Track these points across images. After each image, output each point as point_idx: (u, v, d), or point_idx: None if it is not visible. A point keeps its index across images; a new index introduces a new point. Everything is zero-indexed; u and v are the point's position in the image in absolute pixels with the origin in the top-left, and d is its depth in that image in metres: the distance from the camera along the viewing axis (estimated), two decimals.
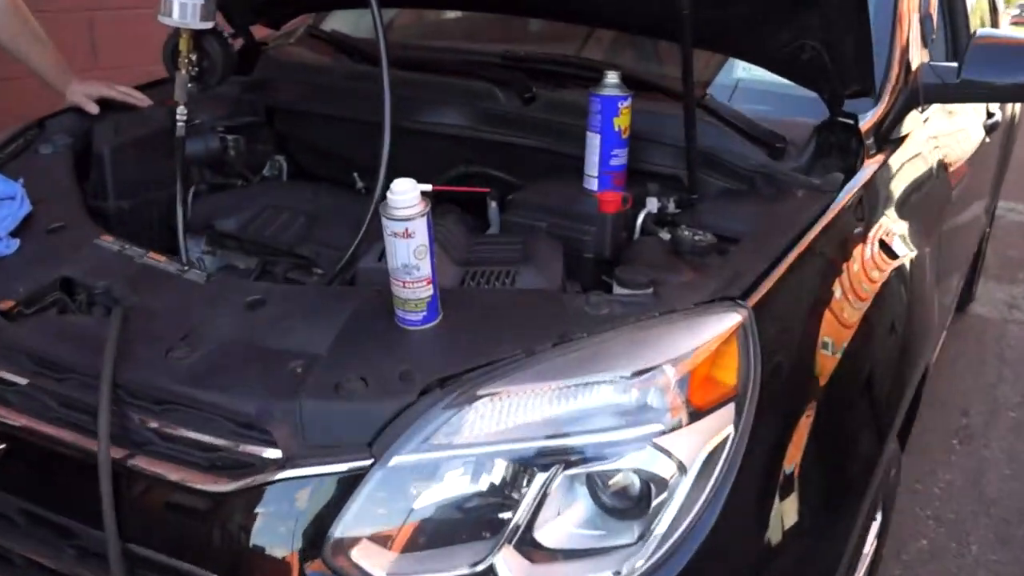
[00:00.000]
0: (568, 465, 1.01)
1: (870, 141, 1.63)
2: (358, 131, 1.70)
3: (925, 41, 2.00)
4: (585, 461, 1.02)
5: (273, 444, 1.02)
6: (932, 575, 2.27)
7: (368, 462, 0.99)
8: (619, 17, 1.71)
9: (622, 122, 1.50)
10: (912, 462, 2.48)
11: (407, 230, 1.07)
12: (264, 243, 1.59)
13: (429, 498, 1.00)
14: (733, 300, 1.15)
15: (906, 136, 1.84)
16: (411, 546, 1.00)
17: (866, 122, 1.64)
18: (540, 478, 1.00)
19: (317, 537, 1.00)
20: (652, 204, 1.51)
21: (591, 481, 1.03)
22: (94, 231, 1.41)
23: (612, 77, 1.49)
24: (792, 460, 1.15)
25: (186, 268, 1.33)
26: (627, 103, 1.49)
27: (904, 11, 1.89)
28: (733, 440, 1.06)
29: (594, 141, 1.52)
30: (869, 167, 1.60)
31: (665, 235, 1.43)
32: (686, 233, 1.38)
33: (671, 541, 1.01)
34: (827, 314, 1.30)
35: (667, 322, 1.12)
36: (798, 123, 1.63)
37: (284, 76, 1.99)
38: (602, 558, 1.01)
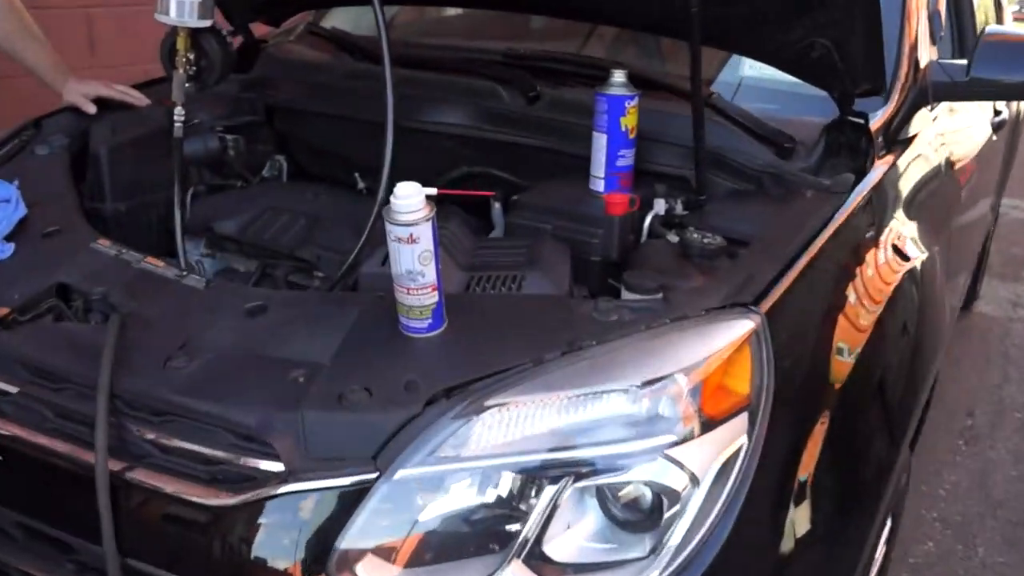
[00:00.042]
0: (578, 477, 0.99)
1: (879, 141, 1.61)
2: (359, 130, 1.68)
3: (933, 38, 1.98)
4: (595, 473, 0.99)
5: (275, 457, 1.00)
6: None
7: (373, 475, 0.97)
8: (626, 14, 1.68)
9: (629, 122, 1.47)
10: (917, 463, 2.44)
11: (412, 235, 1.04)
12: (264, 246, 1.57)
13: (435, 511, 0.98)
14: (745, 306, 1.12)
15: (915, 135, 1.82)
16: (417, 560, 0.98)
17: (876, 121, 1.61)
18: (549, 491, 0.98)
19: (320, 551, 0.98)
20: (659, 206, 1.48)
21: (601, 493, 1.01)
22: (91, 235, 1.39)
23: (619, 76, 1.47)
24: (807, 468, 1.13)
25: (185, 273, 1.30)
26: (634, 102, 1.47)
27: (912, 8, 1.86)
28: (747, 450, 1.03)
29: (600, 141, 1.49)
30: (879, 167, 1.57)
31: (673, 237, 1.41)
32: (695, 235, 1.35)
33: (684, 554, 0.98)
34: (841, 319, 1.28)
35: (678, 329, 1.09)
36: (805, 122, 1.61)
37: (284, 74, 1.96)
38: (613, 572, 0.98)
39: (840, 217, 1.36)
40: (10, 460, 1.13)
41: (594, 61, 1.78)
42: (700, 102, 1.41)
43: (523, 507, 0.98)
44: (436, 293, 1.08)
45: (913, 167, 1.77)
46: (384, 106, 1.38)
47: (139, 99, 1.82)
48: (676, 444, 1.00)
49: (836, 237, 1.33)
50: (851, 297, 1.32)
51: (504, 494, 0.98)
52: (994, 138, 2.74)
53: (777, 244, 1.27)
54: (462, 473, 0.98)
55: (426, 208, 1.05)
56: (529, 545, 0.97)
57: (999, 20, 3.27)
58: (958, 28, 2.49)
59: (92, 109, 1.78)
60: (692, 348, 1.06)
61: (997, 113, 2.75)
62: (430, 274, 1.07)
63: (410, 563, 0.97)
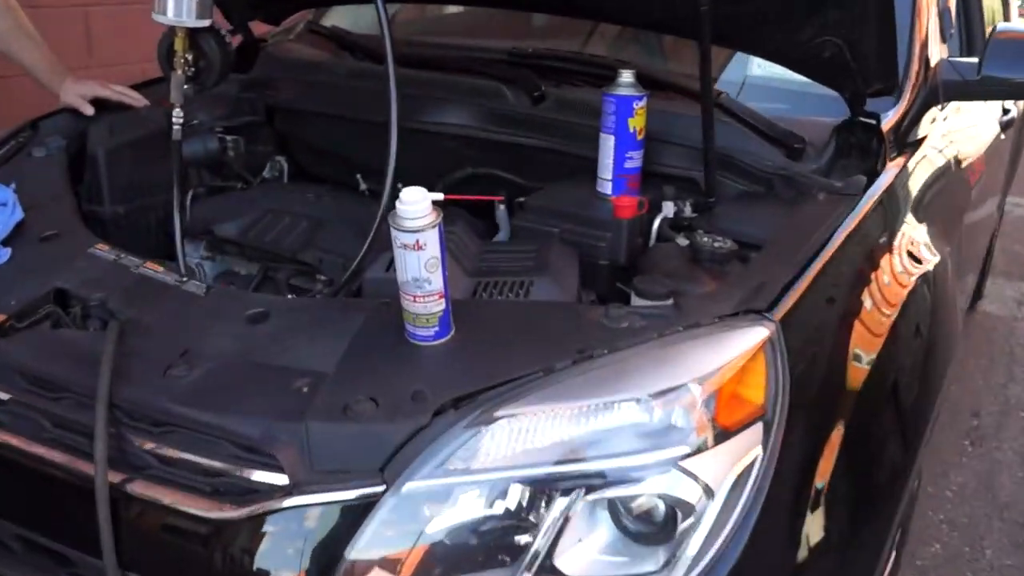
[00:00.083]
0: (589, 489, 0.96)
1: (891, 142, 1.58)
2: (361, 131, 1.65)
3: (944, 36, 1.95)
4: (607, 485, 0.97)
5: (279, 469, 0.97)
6: None
7: (380, 488, 0.94)
8: (632, 12, 1.65)
9: (637, 123, 1.45)
10: (924, 465, 2.44)
11: (418, 242, 1.02)
12: (265, 249, 1.54)
13: (444, 523, 0.96)
14: (759, 313, 1.09)
15: (925, 135, 1.79)
16: (425, 573, 0.95)
17: (887, 121, 1.58)
18: (561, 503, 0.96)
19: (325, 565, 0.95)
20: (668, 208, 1.46)
21: (613, 506, 0.98)
22: (89, 239, 1.36)
23: (627, 76, 1.44)
24: (823, 476, 1.10)
25: (185, 279, 1.27)
26: (642, 103, 1.44)
27: (923, 5, 1.83)
28: (762, 461, 1.01)
29: (608, 143, 1.46)
30: (891, 169, 1.55)
31: (682, 241, 1.38)
32: (705, 239, 1.33)
33: (699, 568, 0.96)
34: (857, 324, 1.25)
35: (691, 337, 1.06)
36: (814, 122, 1.58)
37: (284, 74, 1.94)
38: None
39: (853, 220, 1.34)
40: (8, 471, 1.11)
41: (601, 60, 1.76)
42: (710, 102, 1.39)
43: (533, 519, 0.95)
44: (443, 300, 1.06)
45: (924, 168, 1.74)
46: (387, 106, 1.35)
47: (137, 100, 1.80)
48: (690, 455, 0.97)
49: (850, 241, 1.30)
50: (867, 302, 1.29)
51: (514, 506, 0.95)
52: (1002, 137, 2.71)
53: (790, 248, 1.24)
54: (471, 485, 0.96)
55: (433, 214, 1.03)
56: (540, 558, 0.95)
57: (1006, 17, 3.24)
58: (966, 25, 2.47)
59: (90, 110, 1.75)
60: (705, 357, 1.03)
61: (1005, 112, 2.73)
62: (437, 281, 1.04)
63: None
